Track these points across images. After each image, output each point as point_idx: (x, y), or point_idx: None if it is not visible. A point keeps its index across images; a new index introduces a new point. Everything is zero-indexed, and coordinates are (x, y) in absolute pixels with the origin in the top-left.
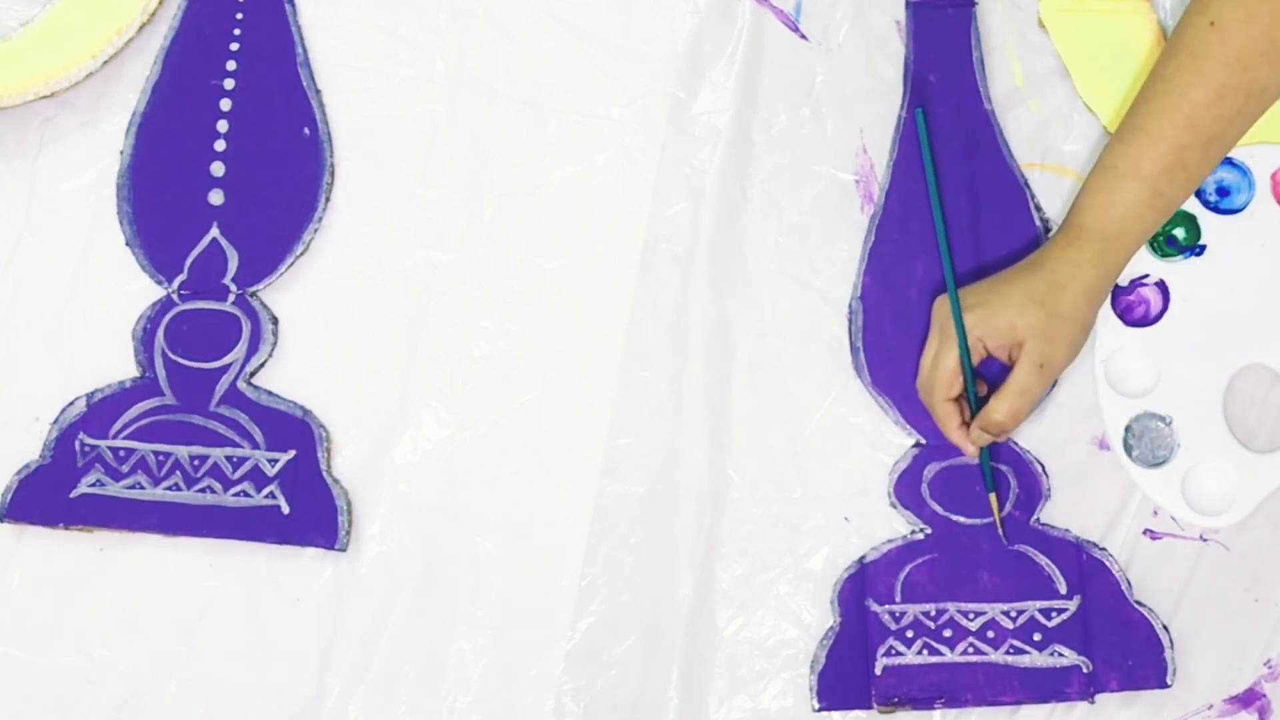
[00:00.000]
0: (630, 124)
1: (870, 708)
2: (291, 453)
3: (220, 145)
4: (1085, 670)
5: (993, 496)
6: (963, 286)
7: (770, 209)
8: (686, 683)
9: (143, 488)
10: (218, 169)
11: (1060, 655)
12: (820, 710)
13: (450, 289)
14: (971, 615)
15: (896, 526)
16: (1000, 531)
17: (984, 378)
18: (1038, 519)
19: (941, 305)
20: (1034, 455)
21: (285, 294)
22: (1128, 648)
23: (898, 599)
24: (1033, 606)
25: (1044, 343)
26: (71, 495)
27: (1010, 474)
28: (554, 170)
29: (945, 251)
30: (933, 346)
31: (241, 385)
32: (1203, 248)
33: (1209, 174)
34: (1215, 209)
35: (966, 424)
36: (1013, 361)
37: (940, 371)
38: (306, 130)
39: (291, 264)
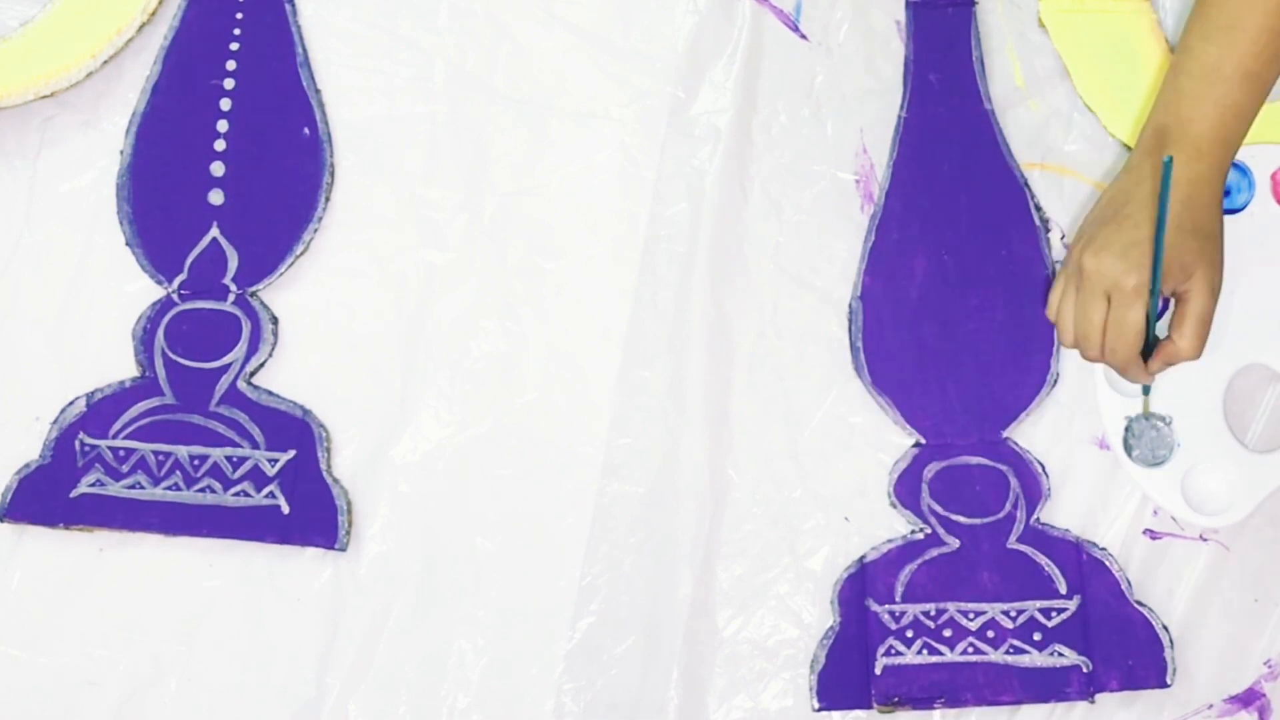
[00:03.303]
0: (630, 124)
1: (870, 708)
2: (291, 453)
3: (220, 145)
4: (1085, 670)
5: (1146, 399)
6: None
7: (770, 209)
8: (686, 683)
9: (143, 488)
10: (218, 169)
11: (1060, 655)
12: (820, 710)
13: (450, 289)
14: (971, 615)
15: (896, 526)
16: (1145, 415)
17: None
18: (1038, 519)
19: (1097, 265)
20: (1034, 455)
21: (285, 294)
22: (1128, 647)
23: (898, 599)
24: (1033, 606)
25: (1210, 268)
26: (71, 495)
27: (1010, 474)
28: (554, 170)
29: (1161, 219)
30: (1099, 309)
31: (241, 385)
32: None
33: None
34: None
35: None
36: (1175, 295)
37: (1130, 331)
38: (306, 130)
39: (291, 264)
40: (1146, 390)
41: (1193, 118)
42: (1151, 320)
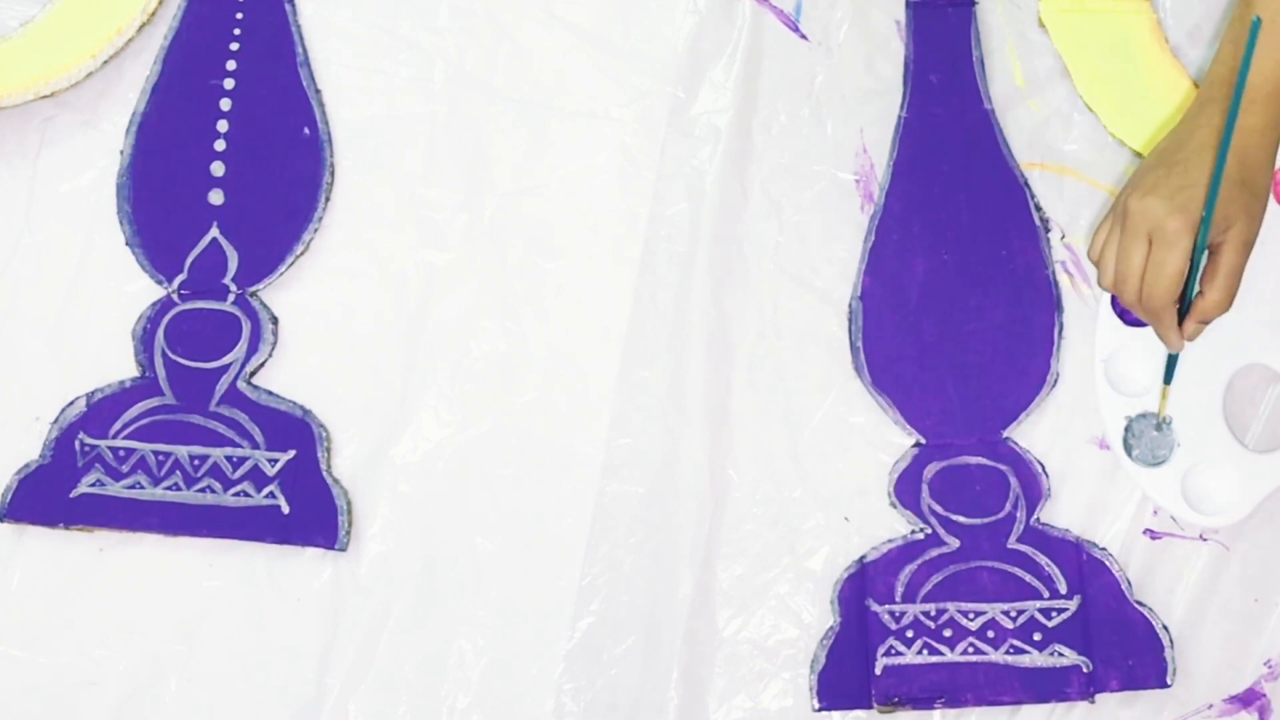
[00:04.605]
0: (630, 124)
1: (870, 708)
2: (291, 453)
3: (220, 145)
4: (1085, 670)
5: (1166, 389)
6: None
7: (770, 209)
8: (686, 683)
9: (143, 488)
10: (218, 169)
11: (1060, 655)
12: (820, 710)
13: (450, 289)
14: (971, 615)
15: (896, 526)
16: (1163, 419)
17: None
18: (1038, 519)
19: (1141, 206)
20: (1034, 455)
21: (285, 294)
22: (1128, 648)
23: (898, 599)
24: (1033, 606)
25: (1249, 222)
26: (71, 495)
27: (1010, 474)
28: (554, 170)
29: (1221, 158)
30: (1139, 251)
31: (241, 385)
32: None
33: None
34: None
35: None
36: (1211, 247)
37: (1170, 274)
38: (306, 130)
39: (291, 264)
40: (1169, 376)
41: (1251, 68)
42: (1195, 266)
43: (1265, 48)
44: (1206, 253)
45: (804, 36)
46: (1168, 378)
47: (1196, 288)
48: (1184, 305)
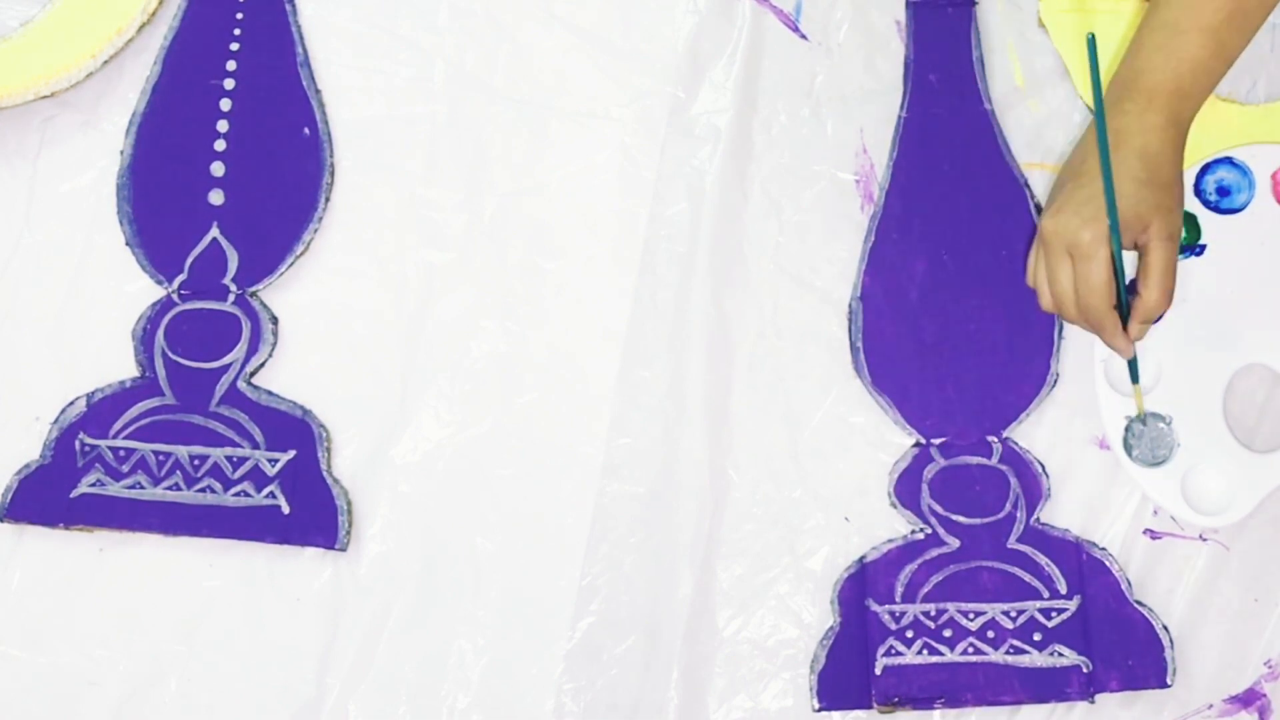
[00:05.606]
0: (630, 124)
1: (870, 708)
2: (291, 453)
3: (220, 145)
4: (1085, 670)
5: (1137, 388)
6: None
7: (770, 209)
8: (686, 683)
9: (143, 488)
10: (218, 169)
11: (1060, 655)
12: (820, 710)
13: (450, 289)
14: (971, 615)
15: (896, 526)
16: (1141, 416)
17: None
18: (1038, 519)
19: (1054, 225)
20: (1034, 455)
21: (285, 294)
22: (1128, 648)
23: (898, 599)
24: (1033, 606)
25: (1166, 216)
26: (71, 495)
27: (1010, 474)
28: (554, 170)
29: (1106, 164)
30: (1064, 269)
31: (241, 385)
32: (1203, 247)
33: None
34: (1215, 209)
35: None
36: (1136, 246)
37: (1097, 284)
38: (306, 130)
39: (291, 264)
40: (1135, 376)
41: (1147, 69)
42: (1119, 271)
43: (1163, 50)
44: (1137, 254)
45: (804, 36)
46: (1134, 377)
47: (1133, 290)
48: (1125, 309)
